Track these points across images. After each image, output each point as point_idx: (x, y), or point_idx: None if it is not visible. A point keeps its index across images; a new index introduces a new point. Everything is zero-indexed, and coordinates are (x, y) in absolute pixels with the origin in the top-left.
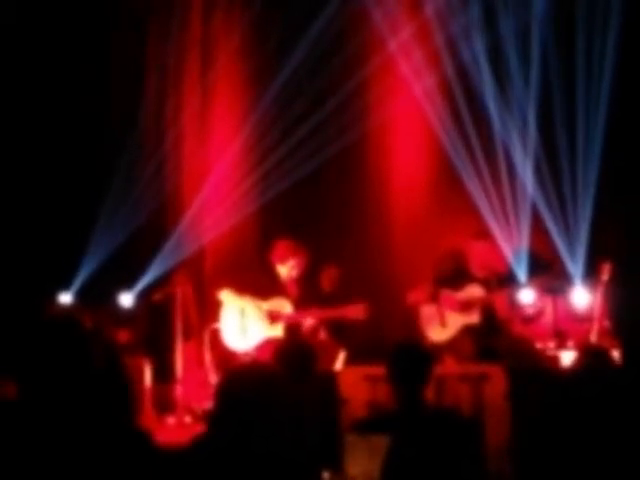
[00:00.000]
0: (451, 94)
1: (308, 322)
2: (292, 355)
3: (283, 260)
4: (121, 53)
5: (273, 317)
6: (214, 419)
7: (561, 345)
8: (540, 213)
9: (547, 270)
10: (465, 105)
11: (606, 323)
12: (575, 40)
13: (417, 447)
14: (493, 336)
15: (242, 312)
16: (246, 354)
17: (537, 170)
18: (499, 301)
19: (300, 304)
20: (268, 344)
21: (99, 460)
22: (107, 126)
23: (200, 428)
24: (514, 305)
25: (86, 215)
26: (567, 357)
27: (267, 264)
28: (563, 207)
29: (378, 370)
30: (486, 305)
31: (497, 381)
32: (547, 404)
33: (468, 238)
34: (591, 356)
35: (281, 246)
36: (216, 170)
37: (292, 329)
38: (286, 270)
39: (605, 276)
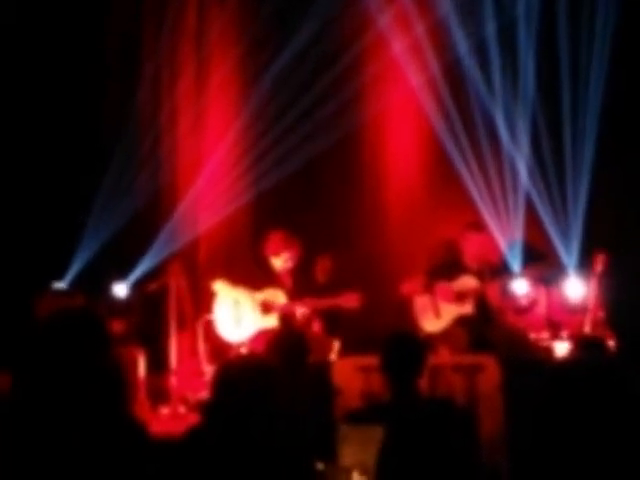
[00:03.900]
0: (445, 85)
1: (302, 312)
2: (286, 345)
3: (277, 253)
4: (116, 44)
5: (267, 308)
6: (209, 409)
7: (555, 336)
8: (534, 204)
9: (541, 260)
10: (459, 96)
11: (600, 314)
12: (579, 23)
13: (411, 437)
14: (487, 327)
15: (236, 303)
16: (240, 345)
17: (531, 161)
18: (492, 292)
19: (294, 295)
20: (262, 335)
21: (94, 451)
22: (102, 116)
23: (194, 418)
24: (507, 296)
25: (80, 205)
26: (561, 348)
27: (261, 256)
28: (557, 198)
29: (372, 360)
30: (480, 296)
31: (491, 371)
32: (541, 394)
33: (462, 229)
34: (587, 346)
35: (274, 239)
36: (210, 161)
37: (286, 319)
38: (280, 262)
39: (599, 267)
